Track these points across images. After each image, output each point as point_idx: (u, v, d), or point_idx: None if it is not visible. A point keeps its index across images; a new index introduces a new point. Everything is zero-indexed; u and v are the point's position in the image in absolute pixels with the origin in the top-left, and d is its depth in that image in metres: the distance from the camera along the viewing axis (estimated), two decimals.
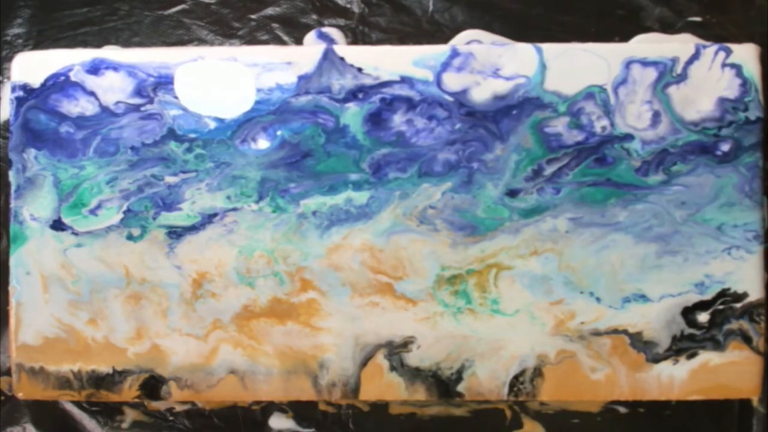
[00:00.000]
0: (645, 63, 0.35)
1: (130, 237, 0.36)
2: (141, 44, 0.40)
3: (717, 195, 0.35)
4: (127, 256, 0.36)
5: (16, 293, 0.36)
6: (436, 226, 0.36)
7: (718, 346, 0.36)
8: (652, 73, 0.35)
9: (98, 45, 0.40)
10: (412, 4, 0.40)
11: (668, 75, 0.35)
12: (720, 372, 0.36)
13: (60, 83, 0.36)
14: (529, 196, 0.36)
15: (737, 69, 0.36)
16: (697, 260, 0.36)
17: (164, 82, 0.36)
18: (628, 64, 0.35)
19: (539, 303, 0.36)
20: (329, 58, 0.36)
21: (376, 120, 0.36)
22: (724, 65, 0.36)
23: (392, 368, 0.36)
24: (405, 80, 0.36)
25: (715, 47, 0.36)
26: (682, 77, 0.36)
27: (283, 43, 0.40)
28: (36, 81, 0.36)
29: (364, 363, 0.36)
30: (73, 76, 0.36)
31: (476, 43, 0.38)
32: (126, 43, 0.40)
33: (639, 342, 0.36)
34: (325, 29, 0.39)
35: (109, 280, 0.36)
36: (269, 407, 0.39)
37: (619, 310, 0.36)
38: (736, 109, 0.35)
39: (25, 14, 0.41)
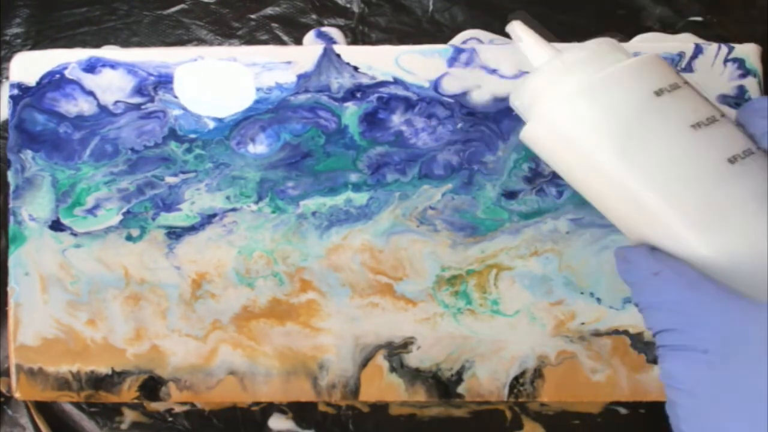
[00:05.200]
0: None
1: (129, 237, 0.36)
2: (140, 44, 0.40)
3: None
4: (127, 256, 0.36)
5: (14, 294, 0.36)
6: (436, 227, 0.36)
7: None
8: None
9: (97, 45, 0.39)
10: (412, 4, 0.40)
11: None
12: None
13: (56, 81, 0.36)
14: (528, 197, 0.35)
15: (739, 64, 0.35)
16: None
17: (164, 82, 0.36)
18: None
19: (539, 303, 0.35)
20: (328, 56, 0.36)
21: (373, 120, 0.36)
22: (726, 61, 0.35)
23: (392, 369, 0.36)
24: (401, 80, 0.36)
25: (716, 46, 0.36)
26: (686, 73, 0.35)
27: (282, 43, 0.40)
28: (32, 80, 0.36)
29: (364, 364, 0.36)
30: (69, 74, 0.36)
31: (476, 42, 0.38)
32: (125, 43, 0.40)
33: (640, 343, 0.35)
34: (325, 29, 0.39)
35: (108, 281, 0.36)
36: (269, 408, 0.39)
37: (620, 310, 0.35)
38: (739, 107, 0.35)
39: (23, 14, 0.40)
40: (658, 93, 0.24)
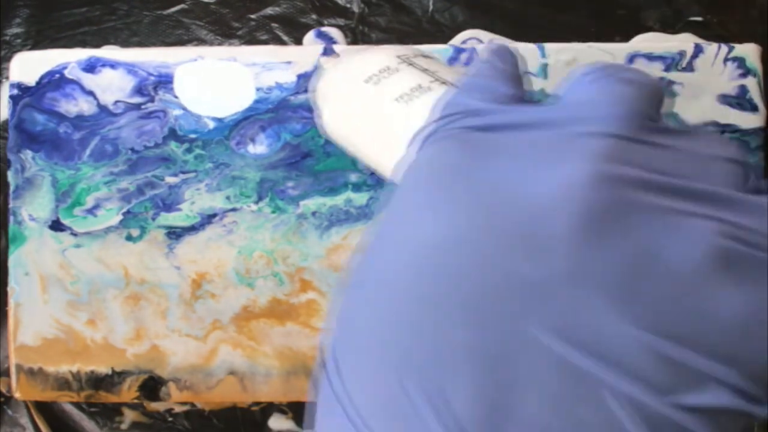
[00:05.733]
0: (650, 57, 0.35)
1: (129, 237, 0.36)
2: (140, 44, 0.40)
3: None
4: (127, 256, 0.36)
5: (14, 294, 0.36)
6: None
7: None
8: (656, 71, 0.35)
9: (97, 45, 0.39)
10: (412, 4, 0.40)
11: (674, 68, 0.35)
12: None
13: (56, 81, 0.36)
14: None
15: (739, 64, 0.35)
16: None
17: (164, 82, 0.36)
18: (632, 59, 0.35)
19: None
20: (328, 56, 0.36)
21: None
22: (726, 60, 0.35)
23: None
24: None
25: (716, 45, 0.36)
26: (687, 73, 0.35)
27: (282, 42, 0.40)
28: (31, 80, 0.36)
29: None
30: (69, 74, 0.36)
31: (476, 42, 0.38)
32: (125, 43, 0.40)
33: None
34: (325, 29, 0.39)
35: (108, 281, 0.36)
36: (269, 408, 0.39)
37: None
38: (741, 107, 0.35)
39: (23, 14, 0.40)
40: (367, 80, 0.26)
